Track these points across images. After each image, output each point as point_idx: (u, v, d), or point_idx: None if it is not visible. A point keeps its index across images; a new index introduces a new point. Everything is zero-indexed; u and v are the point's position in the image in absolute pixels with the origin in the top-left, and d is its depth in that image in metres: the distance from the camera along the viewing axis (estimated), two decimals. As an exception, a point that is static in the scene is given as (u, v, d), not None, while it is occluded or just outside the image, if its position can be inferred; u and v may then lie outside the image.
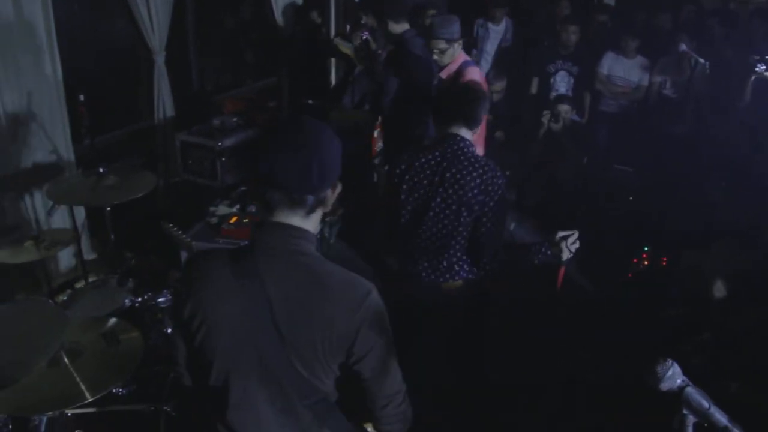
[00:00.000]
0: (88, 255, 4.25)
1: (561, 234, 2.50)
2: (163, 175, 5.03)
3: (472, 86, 2.80)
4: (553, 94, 5.69)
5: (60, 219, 3.95)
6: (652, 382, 1.56)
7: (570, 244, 2.49)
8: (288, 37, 6.03)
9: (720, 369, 3.04)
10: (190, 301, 1.52)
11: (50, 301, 3.12)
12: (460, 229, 2.62)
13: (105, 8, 4.65)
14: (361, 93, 6.17)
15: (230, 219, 3.70)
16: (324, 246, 4.73)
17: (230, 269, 1.48)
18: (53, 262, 4.04)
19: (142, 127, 4.99)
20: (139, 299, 2.99)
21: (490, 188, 2.55)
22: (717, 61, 4.98)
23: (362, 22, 5.65)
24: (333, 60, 6.85)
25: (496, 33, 6.44)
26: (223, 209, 3.84)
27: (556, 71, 5.70)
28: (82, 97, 3.45)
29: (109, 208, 3.41)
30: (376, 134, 5.44)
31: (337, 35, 6.18)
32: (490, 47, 6.44)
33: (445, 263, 2.69)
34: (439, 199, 2.61)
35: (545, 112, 5.35)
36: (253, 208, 3.76)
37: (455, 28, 3.91)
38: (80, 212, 4.09)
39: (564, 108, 5.34)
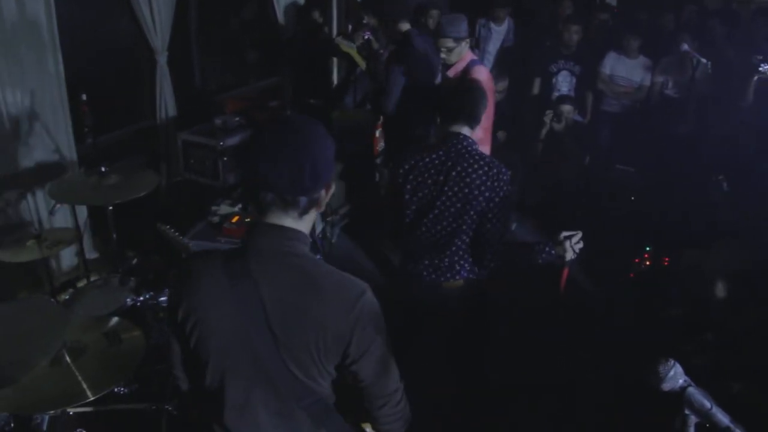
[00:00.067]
0: (90, 254, 4.26)
1: (565, 234, 2.50)
2: (165, 175, 5.03)
3: (473, 85, 2.81)
4: (555, 94, 5.69)
5: (62, 218, 3.95)
6: (654, 382, 1.56)
7: (574, 244, 2.49)
8: (290, 36, 6.04)
9: (722, 369, 3.04)
10: (183, 302, 1.52)
11: (52, 300, 3.12)
12: (464, 227, 2.62)
13: (107, 8, 4.65)
14: (363, 93, 6.17)
15: (232, 218, 3.71)
16: (326, 245, 4.74)
17: (223, 271, 1.48)
18: (55, 261, 4.05)
19: (144, 127, 4.99)
20: (141, 298, 2.99)
21: (495, 185, 2.56)
22: (719, 61, 4.98)
23: (364, 21, 5.64)
24: (335, 60, 6.86)
25: (498, 33, 6.43)
26: (224, 208, 3.84)
27: (558, 71, 5.69)
28: (84, 97, 3.45)
29: (111, 208, 3.41)
30: (377, 134, 5.44)
31: (338, 35, 6.17)
32: (492, 47, 6.44)
33: (446, 261, 2.70)
34: (444, 198, 2.61)
35: (548, 112, 5.35)
36: (254, 208, 3.76)
37: (463, 27, 3.90)
38: (82, 211, 4.10)
39: (567, 108, 5.34)
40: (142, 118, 5.05)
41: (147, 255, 3.77)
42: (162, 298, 2.96)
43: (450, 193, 2.60)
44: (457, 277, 2.73)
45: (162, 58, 4.78)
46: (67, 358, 2.26)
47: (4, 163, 3.67)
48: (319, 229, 4.61)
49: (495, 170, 2.57)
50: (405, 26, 4.35)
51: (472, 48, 6.17)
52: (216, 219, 3.77)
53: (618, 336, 3.76)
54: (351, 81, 6.20)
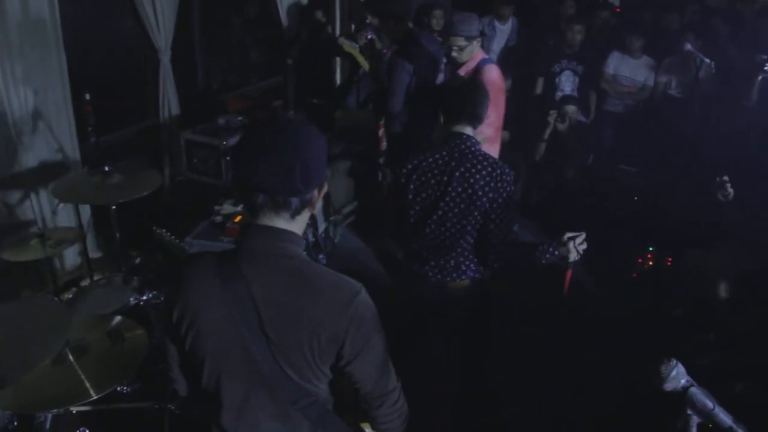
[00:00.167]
0: (94, 253, 4.27)
1: (569, 235, 2.48)
2: (168, 174, 5.04)
3: (476, 85, 2.80)
4: (558, 93, 5.68)
5: (65, 217, 3.96)
6: (656, 382, 1.56)
7: (578, 245, 2.48)
8: (293, 36, 6.04)
9: (724, 369, 3.03)
10: (177, 304, 1.51)
11: (55, 299, 3.12)
12: (469, 228, 2.61)
13: (111, 7, 4.66)
14: (366, 93, 6.18)
15: (235, 218, 3.71)
16: (329, 245, 4.74)
17: (216, 272, 1.47)
18: (59, 261, 4.06)
19: (148, 126, 5.00)
20: (144, 297, 3.01)
21: (499, 185, 2.55)
22: (722, 61, 4.96)
23: (367, 21, 5.64)
24: (338, 59, 6.86)
25: (502, 32, 6.41)
26: (227, 208, 3.85)
27: (561, 71, 5.68)
28: (87, 96, 3.46)
29: (114, 207, 3.42)
30: (380, 134, 5.45)
31: (341, 35, 6.17)
32: (497, 46, 6.41)
33: (452, 262, 2.69)
34: (447, 199, 2.60)
35: (552, 112, 5.34)
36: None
37: (474, 25, 3.88)
38: (85, 210, 4.10)
39: (571, 109, 5.33)
40: (146, 117, 5.07)
41: (150, 254, 3.78)
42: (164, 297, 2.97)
43: (454, 194, 2.59)
44: (464, 277, 2.72)
45: (165, 58, 4.80)
46: (71, 357, 2.27)
47: (8, 163, 3.68)
48: (321, 228, 4.61)
49: (498, 171, 2.56)
50: (407, 26, 4.35)
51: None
52: (219, 218, 3.77)
53: (621, 336, 3.75)
54: (354, 81, 6.21)
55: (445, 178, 2.60)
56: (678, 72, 5.41)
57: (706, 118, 5.19)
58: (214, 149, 4.46)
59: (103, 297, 3.10)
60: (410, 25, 4.46)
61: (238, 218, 3.68)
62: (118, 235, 3.55)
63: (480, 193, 2.55)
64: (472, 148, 2.60)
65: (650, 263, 4.41)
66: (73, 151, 4.05)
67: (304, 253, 1.56)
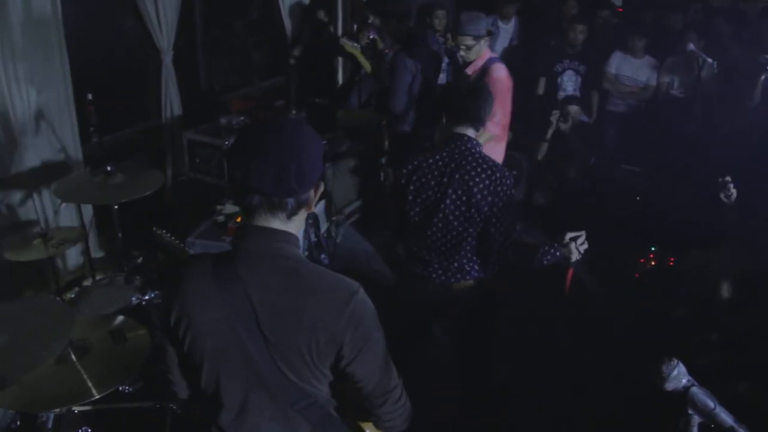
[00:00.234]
0: (96, 253, 4.27)
1: (570, 235, 2.48)
2: (171, 174, 5.05)
3: (479, 86, 2.79)
4: (561, 93, 5.67)
5: (68, 217, 3.97)
6: (657, 382, 1.56)
7: (579, 245, 2.48)
8: (295, 36, 6.05)
9: (726, 369, 3.03)
10: (174, 306, 1.51)
11: (58, 298, 3.13)
12: (471, 230, 2.61)
13: (113, 7, 4.67)
14: (368, 93, 6.18)
15: (237, 217, 3.71)
16: (331, 245, 4.75)
17: (213, 274, 1.47)
18: (61, 260, 4.06)
19: (150, 126, 5.01)
20: (146, 297, 3.01)
21: (498, 189, 2.54)
22: (725, 61, 4.96)
23: (369, 21, 5.65)
24: (340, 59, 6.86)
25: (505, 31, 6.41)
26: (230, 208, 3.85)
27: (563, 71, 5.67)
28: (90, 96, 3.46)
29: (116, 207, 3.43)
30: (382, 133, 5.45)
31: (343, 35, 6.17)
32: (500, 46, 6.41)
33: (456, 264, 2.69)
34: (448, 201, 2.59)
35: (554, 112, 5.33)
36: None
37: (482, 24, 3.88)
38: (88, 210, 4.11)
39: (573, 109, 5.33)
40: (148, 117, 5.07)
41: (152, 254, 3.79)
42: (167, 297, 2.97)
43: (454, 196, 2.59)
44: (468, 278, 2.72)
45: (167, 58, 4.80)
46: (73, 357, 2.27)
47: (10, 163, 3.69)
48: (323, 228, 4.61)
49: (498, 174, 2.55)
50: (409, 26, 4.35)
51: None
52: (221, 218, 3.78)
53: (622, 336, 3.75)
54: (356, 81, 6.21)
55: (445, 180, 2.59)
56: (680, 72, 5.40)
57: (708, 118, 5.18)
58: (217, 149, 4.47)
59: (105, 297, 3.10)
60: (412, 24, 4.46)
61: (240, 218, 3.69)
62: (120, 234, 3.56)
63: (479, 196, 2.54)
64: (473, 150, 2.60)
65: (652, 263, 4.41)
66: (75, 151, 4.05)
67: (305, 253, 1.56)
